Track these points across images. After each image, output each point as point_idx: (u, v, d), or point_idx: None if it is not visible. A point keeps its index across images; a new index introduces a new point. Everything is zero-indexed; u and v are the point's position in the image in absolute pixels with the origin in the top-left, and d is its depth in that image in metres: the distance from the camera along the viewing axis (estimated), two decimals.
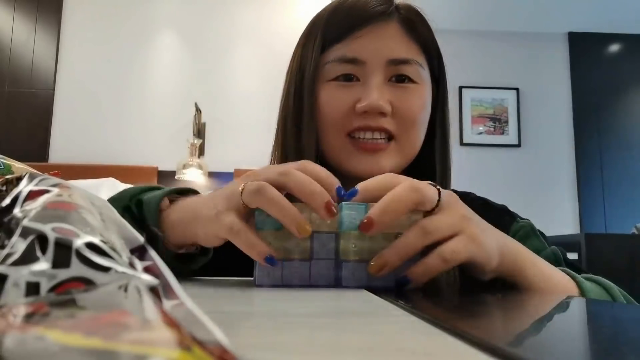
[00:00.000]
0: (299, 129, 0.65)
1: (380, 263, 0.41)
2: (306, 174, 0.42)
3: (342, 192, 0.42)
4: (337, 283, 0.43)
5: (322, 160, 0.65)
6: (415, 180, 0.43)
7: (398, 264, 0.41)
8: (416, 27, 0.66)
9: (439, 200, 0.42)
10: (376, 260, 0.41)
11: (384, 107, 0.60)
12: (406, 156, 0.65)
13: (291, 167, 0.43)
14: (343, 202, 0.42)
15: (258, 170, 0.44)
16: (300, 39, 0.70)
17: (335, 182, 0.43)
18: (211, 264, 0.52)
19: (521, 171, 3.79)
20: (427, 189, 0.42)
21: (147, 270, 0.18)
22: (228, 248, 0.44)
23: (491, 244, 0.43)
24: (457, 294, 0.48)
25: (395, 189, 0.41)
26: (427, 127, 0.66)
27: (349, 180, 0.61)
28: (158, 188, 0.54)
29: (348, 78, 0.63)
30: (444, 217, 0.42)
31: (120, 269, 0.16)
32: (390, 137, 0.63)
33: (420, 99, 0.64)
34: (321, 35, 0.64)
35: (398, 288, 0.42)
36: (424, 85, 0.65)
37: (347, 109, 0.62)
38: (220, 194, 0.45)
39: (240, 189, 0.42)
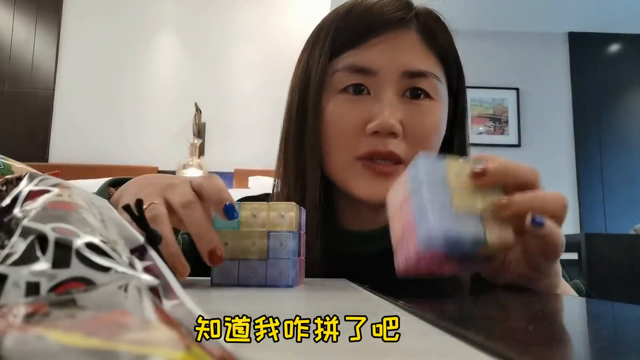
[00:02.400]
0: (302, 146, 0.61)
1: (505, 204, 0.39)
2: (204, 193, 0.41)
3: (235, 213, 0.41)
4: (293, 283, 0.42)
5: (327, 179, 0.61)
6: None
7: (518, 210, 0.39)
8: (435, 35, 0.61)
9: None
10: (505, 200, 0.39)
11: (396, 128, 0.55)
12: None
13: (193, 197, 0.41)
14: None
15: (175, 185, 0.42)
16: (306, 44, 0.65)
17: (225, 200, 0.41)
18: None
19: None
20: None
21: (147, 270, 0.18)
22: None
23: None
24: (459, 295, 0.48)
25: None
26: (442, 146, 0.61)
27: (357, 202, 0.59)
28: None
29: (358, 89, 0.58)
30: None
31: (120, 269, 0.16)
32: (398, 161, 0.57)
33: (435, 118, 0.59)
34: (330, 40, 0.59)
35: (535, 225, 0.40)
36: (440, 102, 0.60)
37: (357, 129, 0.57)
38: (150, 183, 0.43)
39: (147, 204, 0.40)
